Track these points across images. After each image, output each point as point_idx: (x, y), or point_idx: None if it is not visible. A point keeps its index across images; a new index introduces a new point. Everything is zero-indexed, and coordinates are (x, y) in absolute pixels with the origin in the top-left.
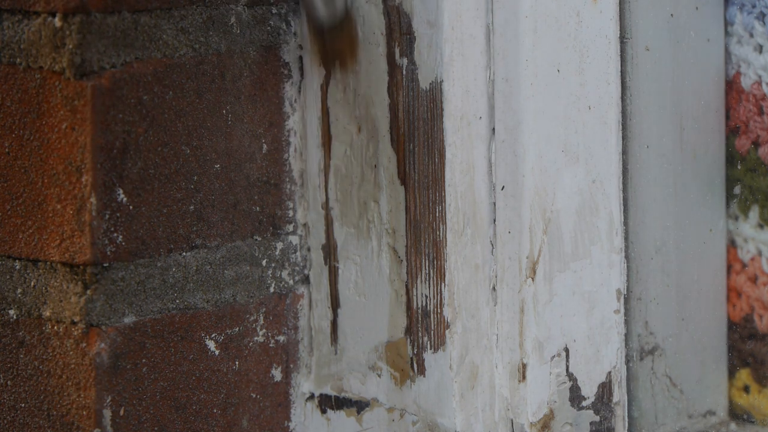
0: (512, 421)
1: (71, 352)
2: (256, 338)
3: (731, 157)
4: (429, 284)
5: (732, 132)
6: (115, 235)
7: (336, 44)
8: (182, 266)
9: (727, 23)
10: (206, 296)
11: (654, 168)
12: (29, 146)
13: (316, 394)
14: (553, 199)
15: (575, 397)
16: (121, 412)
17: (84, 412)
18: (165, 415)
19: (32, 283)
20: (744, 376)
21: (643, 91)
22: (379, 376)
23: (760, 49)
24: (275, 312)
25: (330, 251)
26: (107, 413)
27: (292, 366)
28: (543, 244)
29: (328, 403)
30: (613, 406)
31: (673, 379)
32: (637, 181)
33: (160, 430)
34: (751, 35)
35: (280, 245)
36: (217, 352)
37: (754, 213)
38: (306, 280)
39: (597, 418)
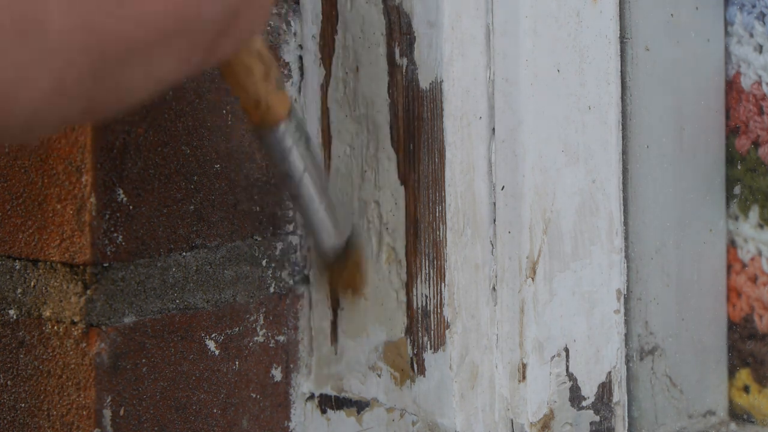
0: (512, 421)
1: (71, 352)
2: (256, 338)
3: (731, 157)
4: (429, 284)
5: (732, 132)
6: (115, 235)
7: (344, 274)
8: (182, 266)
9: (727, 23)
10: (206, 296)
11: (654, 168)
12: (29, 146)
13: (316, 394)
14: (553, 199)
15: (575, 397)
16: (121, 412)
17: (84, 412)
18: (165, 415)
19: (32, 283)
20: (744, 376)
21: (643, 91)
22: (379, 376)
23: (760, 49)
24: (275, 312)
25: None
26: (107, 413)
27: (292, 366)
28: (543, 244)
29: (328, 403)
30: (613, 406)
31: (673, 379)
32: (637, 181)
33: (160, 430)
34: (751, 35)
35: (280, 245)
36: (217, 352)
37: (754, 213)
38: (306, 280)
39: (597, 418)
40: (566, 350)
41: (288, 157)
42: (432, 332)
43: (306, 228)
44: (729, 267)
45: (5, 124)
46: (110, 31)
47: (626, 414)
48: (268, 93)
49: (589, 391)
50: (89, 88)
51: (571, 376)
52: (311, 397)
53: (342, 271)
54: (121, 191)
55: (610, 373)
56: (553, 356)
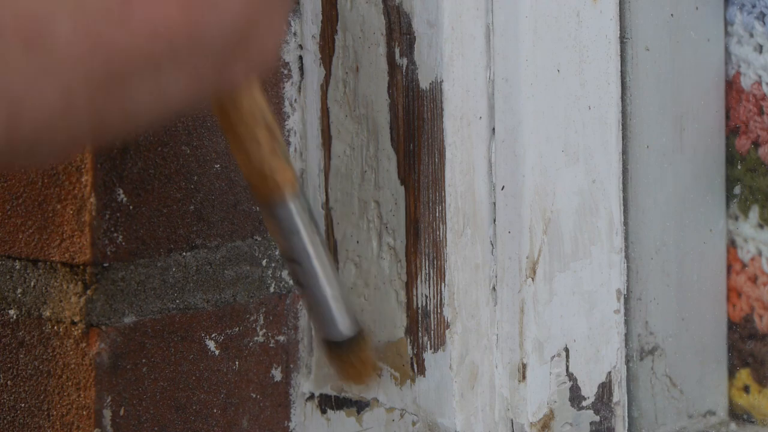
0: (512, 421)
1: (71, 353)
2: (256, 338)
3: (731, 157)
4: (429, 284)
5: (732, 132)
6: (115, 235)
7: (351, 367)
8: (182, 266)
9: (727, 23)
10: (206, 296)
11: (654, 168)
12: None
13: (316, 394)
14: (553, 199)
15: (575, 397)
16: (121, 412)
17: (84, 412)
18: (165, 415)
19: (32, 283)
20: (744, 376)
21: (643, 91)
22: (379, 376)
23: (760, 49)
24: (275, 312)
25: (330, 251)
26: (107, 413)
27: (292, 366)
28: (543, 244)
29: (328, 403)
30: (613, 406)
31: (673, 379)
32: (637, 181)
33: (160, 430)
34: (751, 35)
35: None
36: (217, 352)
37: (754, 213)
38: None
39: (597, 418)
40: (566, 350)
41: (294, 237)
42: (432, 332)
43: (310, 314)
44: (729, 267)
45: (11, 142)
46: (119, 44)
47: (626, 414)
48: (276, 167)
49: (589, 391)
50: (96, 104)
51: (571, 376)
52: (311, 397)
53: (351, 360)
54: (121, 191)
55: (610, 373)
56: (553, 356)
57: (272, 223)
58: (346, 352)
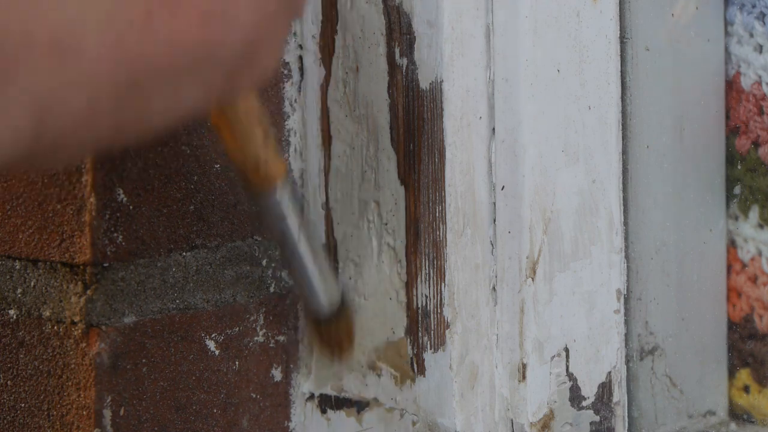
0: (512, 421)
1: (71, 353)
2: (256, 338)
3: (731, 157)
4: (429, 284)
5: (732, 132)
6: (115, 235)
7: (333, 336)
8: (182, 266)
9: (727, 23)
10: (206, 296)
11: (654, 168)
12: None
13: (316, 394)
14: (553, 199)
15: (575, 397)
16: (121, 412)
17: (84, 412)
18: (165, 415)
19: (32, 283)
20: (744, 376)
21: (643, 91)
22: (379, 376)
23: (760, 49)
24: (275, 312)
25: (330, 251)
26: (107, 413)
27: (292, 366)
28: (543, 244)
29: (328, 403)
30: (613, 406)
31: (673, 379)
32: (637, 181)
33: (160, 430)
34: (751, 35)
35: None
36: (217, 352)
37: (754, 213)
38: None
39: (597, 418)
40: (566, 350)
41: (283, 221)
42: (432, 332)
43: (297, 289)
44: (729, 267)
45: (37, 146)
46: (143, 55)
47: (626, 414)
48: (267, 158)
49: (589, 391)
50: (118, 111)
51: (571, 376)
52: (311, 397)
53: (331, 333)
54: (121, 191)
55: (610, 373)
56: (553, 356)
57: (262, 209)
58: (331, 323)
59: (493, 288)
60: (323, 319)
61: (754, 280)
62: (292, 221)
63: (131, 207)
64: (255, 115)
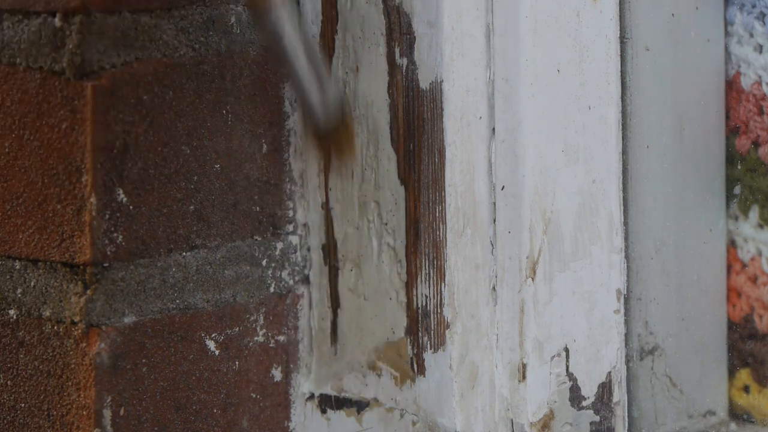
0: (512, 421)
1: (71, 352)
2: (256, 338)
3: (731, 157)
4: (429, 284)
5: (732, 132)
6: (115, 235)
7: (334, 139)
8: (182, 266)
9: (727, 23)
10: (206, 296)
11: (654, 168)
12: (29, 146)
13: (316, 394)
14: (553, 199)
15: (575, 397)
16: (121, 412)
17: (84, 412)
18: (165, 415)
19: (32, 283)
20: (744, 376)
21: (643, 91)
22: (379, 376)
23: (760, 49)
24: (275, 312)
25: (330, 251)
26: (107, 413)
27: (292, 366)
28: (543, 244)
29: (328, 402)
30: (613, 406)
31: (673, 379)
32: (637, 181)
33: (160, 430)
34: (751, 35)
35: (280, 245)
36: (217, 352)
37: (754, 213)
38: (306, 280)
39: (597, 418)
40: (566, 350)
41: (281, 39)
42: (432, 332)
43: (296, 93)
44: (729, 267)
45: None
46: None
47: (626, 414)
48: None
49: (589, 391)
50: None
51: (571, 376)
52: (311, 397)
53: (330, 138)
54: (121, 191)
55: (610, 373)
56: (553, 356)
57: (263, 26)
58: (327, 133)
59: (493, 288)
60: (323, 127)
61: (754, 280)
62: (290, 39)
63: (131, 207)
64: None
